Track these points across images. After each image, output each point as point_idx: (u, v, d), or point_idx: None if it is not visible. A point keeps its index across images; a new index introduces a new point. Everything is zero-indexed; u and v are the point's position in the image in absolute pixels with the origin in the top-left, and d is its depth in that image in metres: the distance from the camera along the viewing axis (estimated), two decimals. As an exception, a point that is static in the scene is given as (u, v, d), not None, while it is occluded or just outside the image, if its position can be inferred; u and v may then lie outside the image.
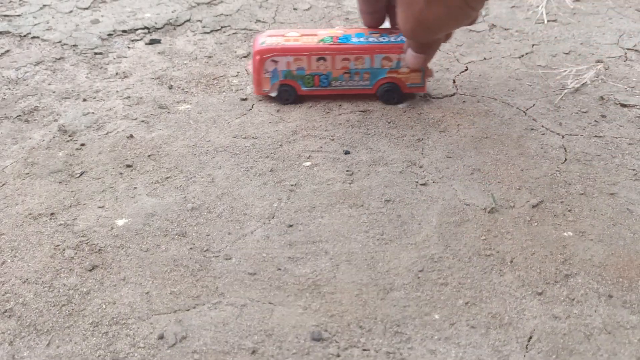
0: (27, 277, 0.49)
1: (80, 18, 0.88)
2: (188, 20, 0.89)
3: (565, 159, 0.63)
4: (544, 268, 0.50)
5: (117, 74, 0.77)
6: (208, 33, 0.87)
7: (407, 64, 0.67)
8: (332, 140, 0.65)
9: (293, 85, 0.71)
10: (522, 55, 0.85)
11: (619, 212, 0.56)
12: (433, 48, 0.63)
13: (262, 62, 0.69)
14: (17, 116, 0.69)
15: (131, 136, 0.65)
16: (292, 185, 0.59)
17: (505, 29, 0.92)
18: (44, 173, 0.60)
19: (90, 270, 0.50)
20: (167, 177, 0.60)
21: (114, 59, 0.80)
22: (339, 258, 0.51)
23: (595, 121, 0.70)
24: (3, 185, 0.59)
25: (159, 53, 0.81)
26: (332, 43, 0.69)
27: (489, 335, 0.44)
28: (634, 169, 0.62)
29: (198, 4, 0.93)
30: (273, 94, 0.71)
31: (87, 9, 0.91)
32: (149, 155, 0.63)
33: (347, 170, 0.61)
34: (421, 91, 0.73)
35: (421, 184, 0.59)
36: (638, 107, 0.73)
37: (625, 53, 0.86)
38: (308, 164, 0.62)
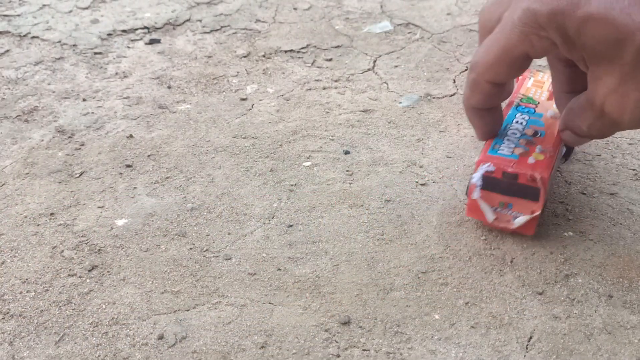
0: (27, 277, 0.49)
1: (80, 18, 0.88)
2: (188, 20, 0.89)
3: (566, 159, 0.63)
4: (544, 268, 0.50)
5: (116, 73, 0.77)
6: (208, 33, 0.87)
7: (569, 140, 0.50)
8: (332, 140, 0.65)
9: None
10: (522, 55, 0.85)
11: (619, 212, 0.56)
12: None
13: None
14: (17, 116, 0.69)
15: (131, 136, 0.65)
16: (292, 185, 0.59)
17: (505, 29, 0.92)
18: (43, 173, 0.60)
19: (90, 271, 0.50)
20: (167, 177, 0.60)
21: (114, 58, 0.80)
22: (339, 258, 0.51)
23: (596, 121, 0.70)
24: (2, 185, 0.59)
25: (158, 53, 0.81)
26: None
27: (489, 335, 0.44)
28: (634, 169, 0.62)
29: (198, 3, 0.93)
30: None
31: (86, 8, 0.91)
32: (149, 155, 0.63)
33: (347, 170, 0.61)
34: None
35: (421, 184, 0.59)
36: (638, 107, 0.73)
37: (625, 53, 0.86)
38: (308, 164, 0.62)
